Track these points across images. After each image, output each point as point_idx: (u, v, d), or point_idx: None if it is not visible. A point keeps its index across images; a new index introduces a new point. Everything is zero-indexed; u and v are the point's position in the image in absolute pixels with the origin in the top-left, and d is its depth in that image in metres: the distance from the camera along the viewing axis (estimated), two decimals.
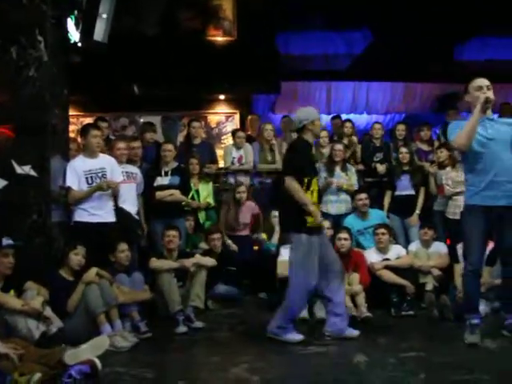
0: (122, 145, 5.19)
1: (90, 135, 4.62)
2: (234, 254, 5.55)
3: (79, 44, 4.83)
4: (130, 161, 5.29)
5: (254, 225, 5.96)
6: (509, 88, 8.93)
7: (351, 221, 5.60)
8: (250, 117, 7.69)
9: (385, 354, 3.59)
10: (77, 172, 4.57)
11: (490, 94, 3.74)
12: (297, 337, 3.93)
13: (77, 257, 4.17)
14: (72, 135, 6.35)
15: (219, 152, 7.40)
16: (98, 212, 4.57)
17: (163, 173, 5.44)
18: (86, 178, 4.58)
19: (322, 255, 4.01)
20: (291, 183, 3.93)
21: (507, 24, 8.85)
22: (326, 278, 4.02)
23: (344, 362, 3.51)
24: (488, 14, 8.23)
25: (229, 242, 5.64)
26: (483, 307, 4.54)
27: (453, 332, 4.14)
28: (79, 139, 4.93)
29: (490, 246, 4.89)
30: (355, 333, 4.01)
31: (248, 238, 5.90)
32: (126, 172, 5.06)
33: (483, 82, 3.83)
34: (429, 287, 4.93)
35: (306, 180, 3.96)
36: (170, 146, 5.54)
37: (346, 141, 6.59)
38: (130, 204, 4.99)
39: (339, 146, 6.00)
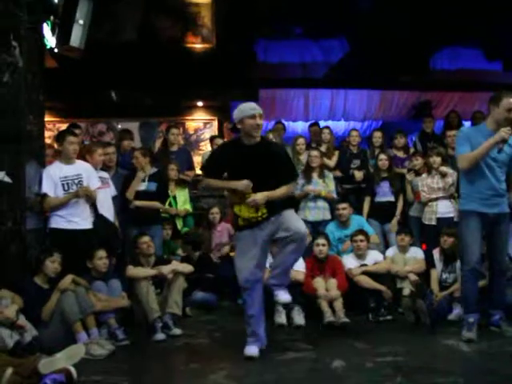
0: (101, 151, 5.19)
1: (67, 142, 4.58)
2: (212, 261, 5.54)
3: (55, 50, 4.79)
4: (104, 166, 5.28)
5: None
6: (479, 96, 9.15)
7: (332, 228, 5.63)
8: (225, 124, 7.71)
9: (362, 359, 3.61)
10: (53, 179, 4.51)
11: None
12: (251, 351, 3.66)
13: (53, 264, 4.12)
14: (48, 141, 6.30)
15: (197, 159, 7.40)
16: (75, 219, 4.52)
17: None
18: (63, 184, 4.53)
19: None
20: (205, 182, 3.77)
21: (476, 35, 9.08)
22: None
23: (322, 367, 3.52)
24: (459, 25, 8.42)
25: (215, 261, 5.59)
26: (458, 311, 4.61)
27: (429, 336, 4.18)
28: (55, 145, 4.88)
29: None
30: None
31: (226, 257, 5.75)
32: (101, 177, 5.03)
33: None
34: (406, 292, 4.98)
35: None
36: (136, 153, 5.46)
37: (324, 147, 6.65)
38: (106, 210, 4.95)
39: (315, 153, 6.03)
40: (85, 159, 4.96)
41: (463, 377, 3.22)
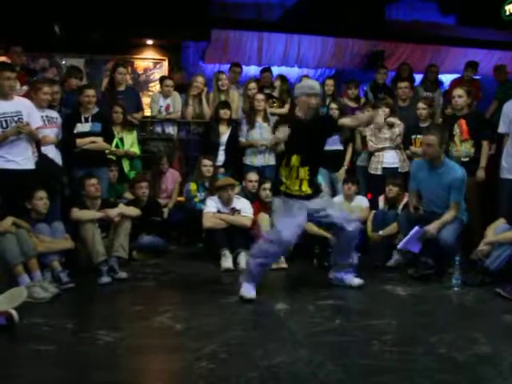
0: (47, 89, 4.92)
1: (3, 77, 4.30)
2: (160, 206, 5.52)
3: None
4: (49, 105, 5.02)
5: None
6: (431, 49, 9.23)
7: None
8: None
9: (304, 302, 3.74)
10: None
11: None
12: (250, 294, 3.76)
13: None
14: None
15: (146, 100, 7.18)
16: (16, 158, 4.33)
17: (83, 119, 5.19)
18: (1, 121, 4.30)
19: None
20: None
21: None
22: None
23: (265, 309, 3.63)
24: None
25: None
26: (397, 257, 4.83)
27: (368, 281, 4.36)
28: None
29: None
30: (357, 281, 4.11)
31: (176, 203, 5.87)
32: (47, 116, 4.82)
33: None
34: None
35: (285, 156, 3.81)
36: (91, 92, 5.24)
37: (276, 93, 6.63)
38: (52, 151, 4.77)
39: (261, 96, 6.03)
40: (29, 97, 4.71)
41: (397, 319, 3.40)
